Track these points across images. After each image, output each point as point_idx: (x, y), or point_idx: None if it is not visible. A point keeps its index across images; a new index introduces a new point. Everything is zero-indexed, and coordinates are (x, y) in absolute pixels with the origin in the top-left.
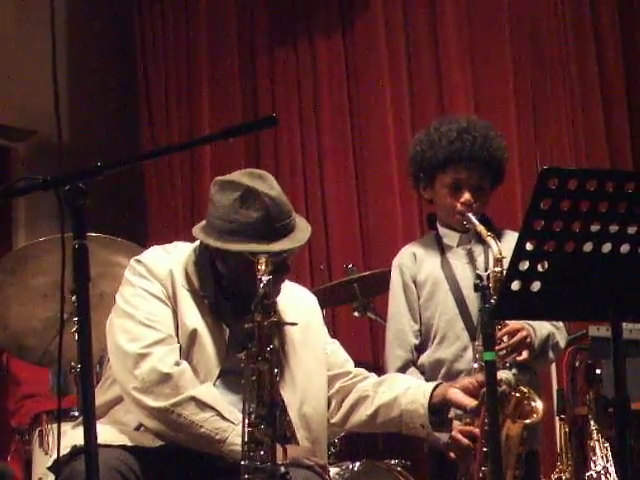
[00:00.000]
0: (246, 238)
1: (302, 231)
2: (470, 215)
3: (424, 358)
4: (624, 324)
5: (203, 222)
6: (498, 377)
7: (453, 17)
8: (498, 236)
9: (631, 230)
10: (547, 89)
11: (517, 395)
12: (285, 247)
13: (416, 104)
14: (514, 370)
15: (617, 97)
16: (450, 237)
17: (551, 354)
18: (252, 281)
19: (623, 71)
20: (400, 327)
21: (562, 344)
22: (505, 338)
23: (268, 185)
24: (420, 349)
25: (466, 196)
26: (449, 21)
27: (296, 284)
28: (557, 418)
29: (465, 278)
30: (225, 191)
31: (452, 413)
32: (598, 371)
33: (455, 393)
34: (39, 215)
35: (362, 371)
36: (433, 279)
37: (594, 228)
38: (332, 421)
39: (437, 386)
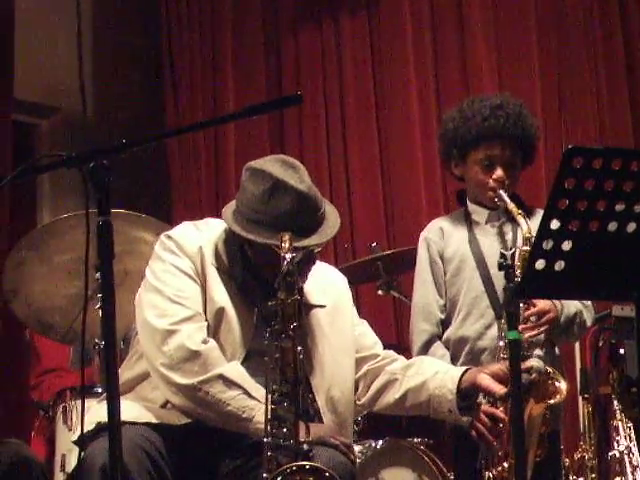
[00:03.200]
0: (273, 231)
1: (330, 225)
2: (502, 192)
3: (448, 334)
4: None
5: (233, 204)
6: (528, 365)
7: None
8: (528, 214)
9: None
10: (572, 66)
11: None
12: (312, 243)
13: (441, 83)
14: (538, 350)
15: None
16: (479, 213)
17: (576, 331)
18: (276, 271)
19: None
20: (426, 301)
21: (589, 322)
22: (533, 318)
23: (299, 177)
24: (445, 324)
25: (499, 172)
26: (474, 0)
27: (326, 264)
28: (580, 398)
29: (492, 255)
30: (256, 180)
31: (480, 398)
32: (622, 351)
33: (485, 379)
34: (63, 192)
35: (391, 353)
36: (460, 255)
37: (619, 208)
38: (359, 403)
39: (466, 371)
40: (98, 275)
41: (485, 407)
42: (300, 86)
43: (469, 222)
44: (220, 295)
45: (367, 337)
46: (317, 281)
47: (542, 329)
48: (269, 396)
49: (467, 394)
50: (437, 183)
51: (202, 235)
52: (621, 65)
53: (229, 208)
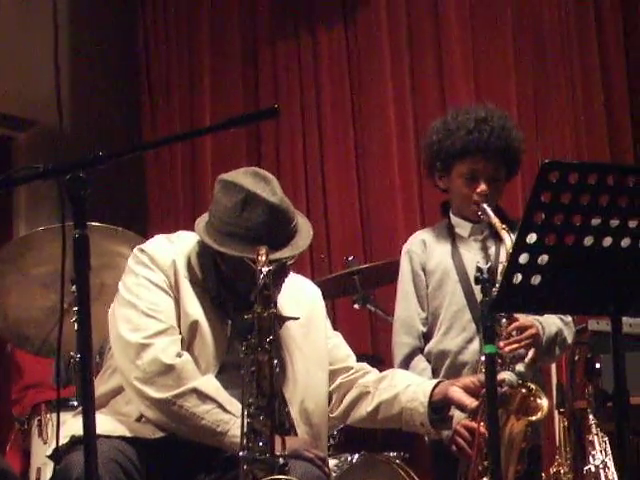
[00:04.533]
0: (245, 243)
1: (303, 237)
2: (485, 206)
3: (430, 347)
4: (624, 318)
5: (206, 216)
6: (500, 377)
7: (455, 8)
8: (512, 227)
9: (632, 224)
10: (548, 80)
11: (523, 391)
12: (284, 255)
13: (418, 96)
14: (520, 366)
15: (618, 89)
16: (462, 227)
17: (557, 351)
18: (249, 283)
19: (624, 62)
20: (408, 314)
21: (569, 340)
22: (514, 333)
23: (270, 190)
24: (427, 337)
25: (482, 186)
26: (451, 12)
27: (299, 276)
28: (556, 412)
29: (475, 269)
30: (227, 192)
31: (452, 411)
32: (598, 365)
33: (456, 392)
34: (40, 204)
35: (364, 366)
36: (442, 268)
37: (595, 222)
38: (332, 416)
39: (438, 384)
40: (74, 288)
41: (465, 421)
42: (277, 99)
43: (452, 235)
44: (194, 308)
45: (340, 349)
46: (291, 293)
47: (523, 344)
48: (245, 409)
49: (439, 407)
50: (414, 197)
51: (175, 248)
52: (597, 75)
53: (202, 220)
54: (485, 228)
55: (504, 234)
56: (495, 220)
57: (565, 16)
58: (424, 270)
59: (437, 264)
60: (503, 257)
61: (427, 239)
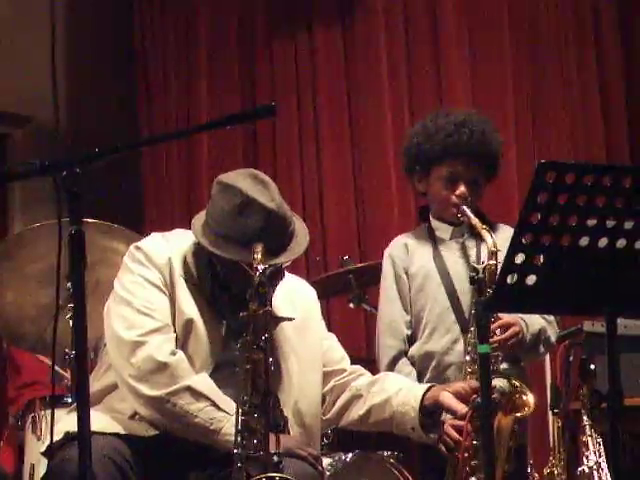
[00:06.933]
0: (240, 247)
1: (299, 243)
2: (465, 208)
3: (413, 350)
4: (619, 319)
5: (202, 215)
6: (492, 385)
7: (453, 12)
8: (492, 229)
9: (627, 225)
10: (546, 82)
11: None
12: (279, 261)
13: (414, 98)
14: (504, 364)
15: (615, 94)
16: (443, 230)
17: (542, 349)
18: (243, 285)
19: (622, 68)
20: (392, 317)
21: (553, 339)
22: (497, 331)
23: (269, 195)
24: (410, 340)
25: (462, 189)
26: (449, 16)
27: (295, 276)
28: (550, 413)
29: (457, 271)
30: (225, 195)
31: (444, 415)
32: (592, 366)
33: (447, 397)
34: (35, 201)
35: (357, 368)
36: (425, 271)
37: (591, 222)
38: (325, 418)
39: (429, 388)
40: (69, 285)
41: (453, 421)
42: (274, 98)
43: (433, 238)
44: (189, 307)
45: (335, 351)
46: (286, 294)
47: (509, 342)
48: (239, 407)
49: (430, 412)
50: (409, 197)
51: (171, 246)
52: (594, 77)
53: (198, 220)
54: (465, 230)
55: (485, 233)
56: (475, 221)
57: (562, 17)
58: (407, 273)
59: (419, 267)
60: (484, 257)
61: (409, 243)
